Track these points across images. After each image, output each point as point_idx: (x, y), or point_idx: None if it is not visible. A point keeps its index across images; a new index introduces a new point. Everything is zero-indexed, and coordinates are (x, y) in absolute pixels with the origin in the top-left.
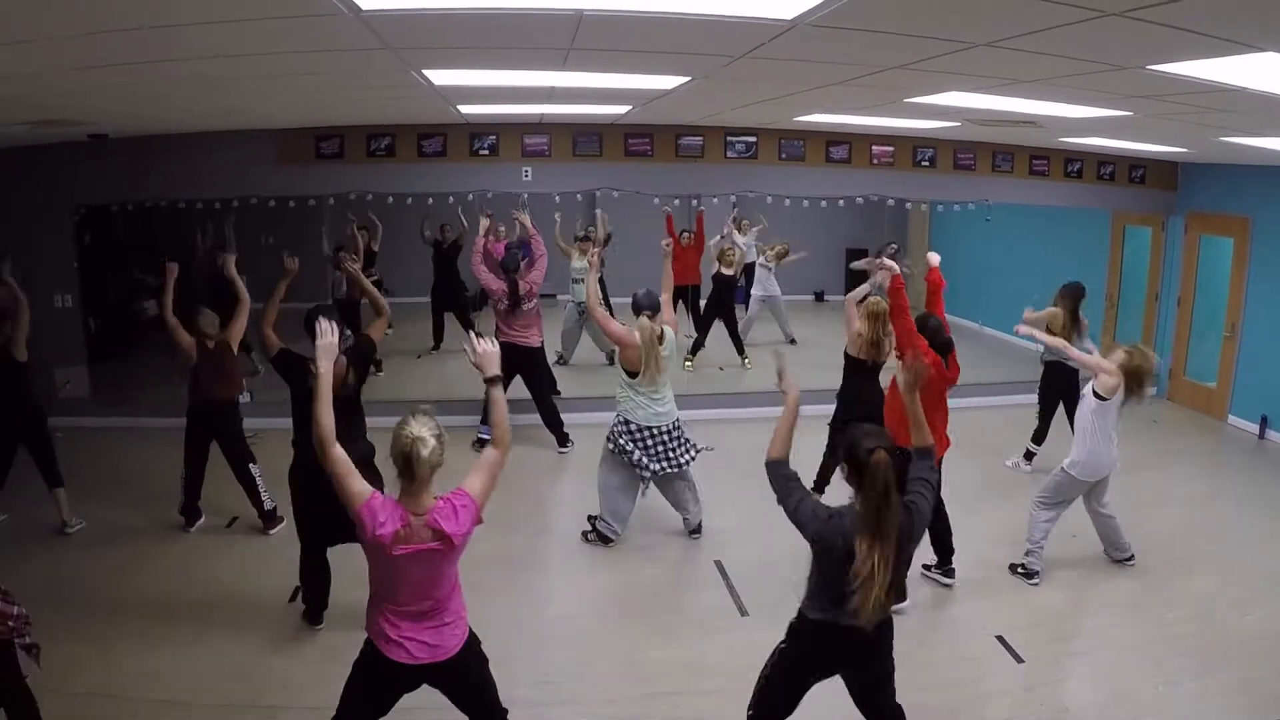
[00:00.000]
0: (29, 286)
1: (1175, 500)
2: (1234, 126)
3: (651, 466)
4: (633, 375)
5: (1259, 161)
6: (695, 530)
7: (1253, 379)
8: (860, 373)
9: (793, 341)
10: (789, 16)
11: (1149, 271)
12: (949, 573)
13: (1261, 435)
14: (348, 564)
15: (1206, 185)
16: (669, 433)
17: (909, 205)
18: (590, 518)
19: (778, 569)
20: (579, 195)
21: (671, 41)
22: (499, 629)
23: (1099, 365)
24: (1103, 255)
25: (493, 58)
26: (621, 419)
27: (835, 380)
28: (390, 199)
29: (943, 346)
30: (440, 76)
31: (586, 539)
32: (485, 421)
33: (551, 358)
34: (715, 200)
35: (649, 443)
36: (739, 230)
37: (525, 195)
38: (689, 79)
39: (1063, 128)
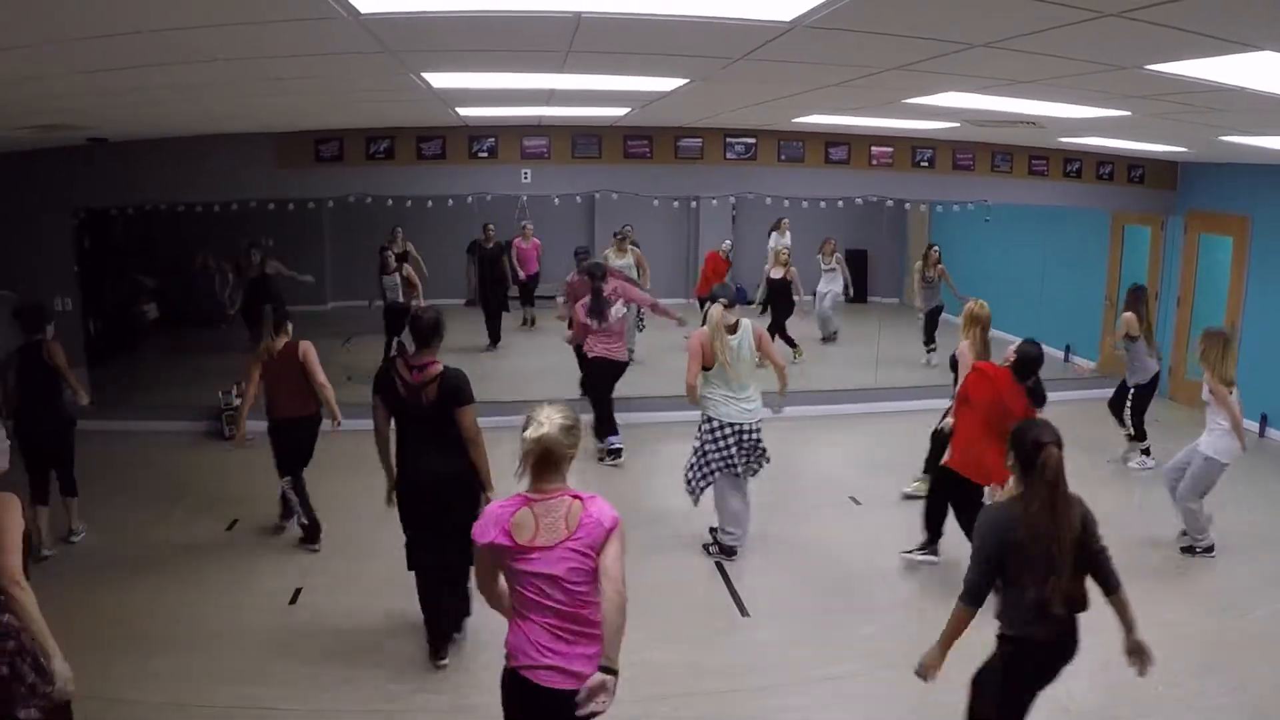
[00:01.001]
0: (29, 290)
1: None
2: (1233, 126)
3: (738, 462)
4: (709, 369)
5: (1258, 160)
6: (731, 551)
7: (1252, 378)
8: None
9: (823, 340)
10: (787, 18)
11: (1148, 271)
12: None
13: (1261, 434)
14: (346, 569)
15: (1206, 184)
16: (753, 431)
17: (908, 206)
18: (711, 530)
19: (778, 570)
20: (578, 197)
21: (670, 43)
22: (499, 630)
23: (1235, 415)
24: (1102, 255)
25: (492, 60)
26: (705, 417)
27: (836, 382)
28: (390, 201)
29: (1037, 396)
30: (439, 79)
31: (709, 552)
32: (609, 433)
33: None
34: (714, 202)
35: (732, 440)
36: (778, 231)
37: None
38: (688, 81)
39: (1061, 128)
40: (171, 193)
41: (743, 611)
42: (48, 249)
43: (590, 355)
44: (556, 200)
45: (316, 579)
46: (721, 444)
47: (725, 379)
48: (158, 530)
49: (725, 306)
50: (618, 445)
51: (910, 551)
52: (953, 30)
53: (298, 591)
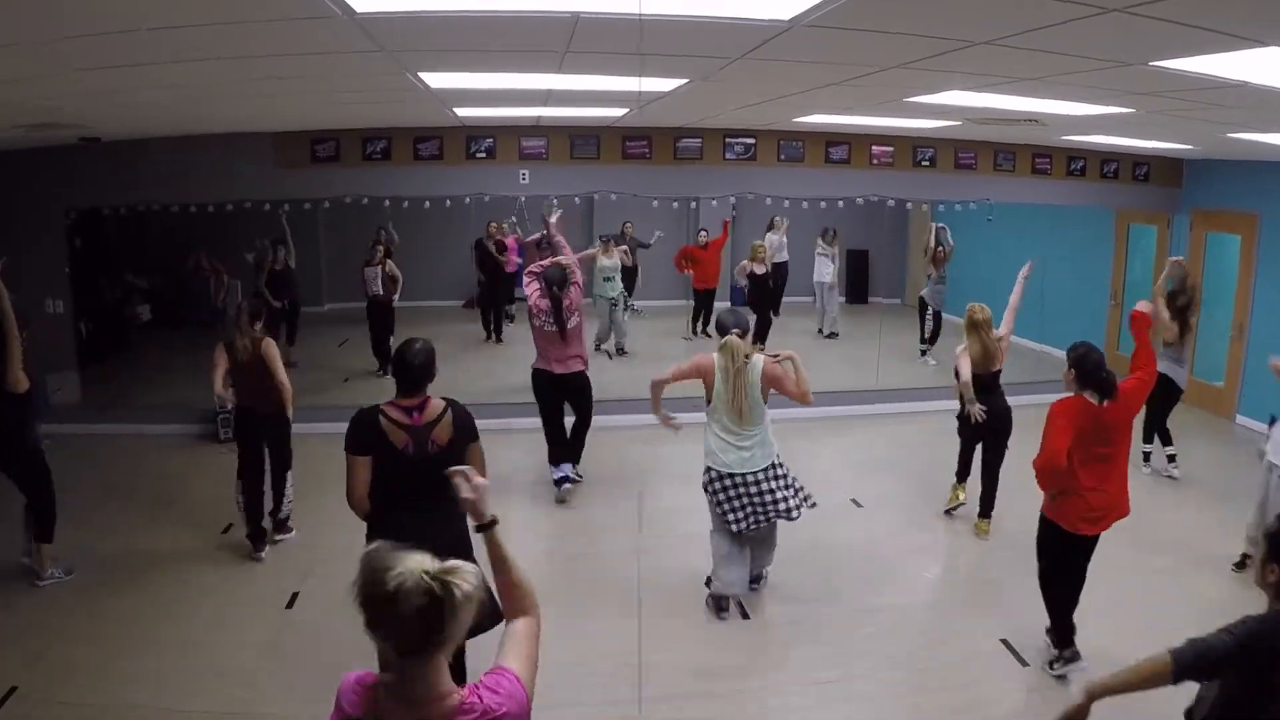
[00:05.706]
0: (18, 291)
1: (1182, 500)
2: (1239, 122)
3: (737, 521)
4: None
5: (1266, 157)
6: (756, 579)
7: (1261, 378)
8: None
9: (832, 335)
10: (786, 17)
11: (1154, 270)
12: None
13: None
14: (344, 575)
15: (1212, 182)
16: (759, 483)
17: (909, 206)
18: (708, 579)
19: (779, 571)
20: (577, 198)
21: (668, 43)
22: (498, 631)
23: None
24: (1107, 254)
25: (489, 60)
26: (705, 467)
27: (836, 382)
28: (387, 202)
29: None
30: (436, 79)
31: (706, 604)
32: (569, 460)
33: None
34: (714, 202)
35: (732, 493)
36: (772, 228)
37: (553, 199)
38: (686, 81)
39: (1065, 125)
40: (165, 193)
41: (743, 613)
42: (39, 249)
43: (537, 367)
44: (555, 201)
45: (314, 584)
46: (720, 497)
47: (725, 420)
48: (152, 534)
49: (739, 336)
50: (561, 476)
51: (1054, 664)
52: (953, 28)
53: (294, 596)
